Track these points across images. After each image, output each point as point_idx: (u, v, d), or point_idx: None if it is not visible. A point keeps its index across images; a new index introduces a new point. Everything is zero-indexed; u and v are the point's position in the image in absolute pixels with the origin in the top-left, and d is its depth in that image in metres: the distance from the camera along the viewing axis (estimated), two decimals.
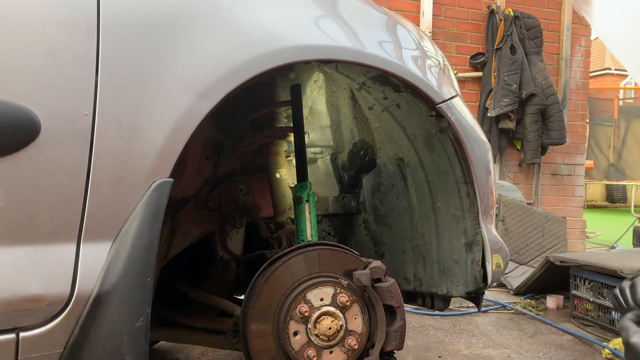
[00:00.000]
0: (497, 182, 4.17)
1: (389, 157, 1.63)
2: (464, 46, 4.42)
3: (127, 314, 0.88)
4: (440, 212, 1.50)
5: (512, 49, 4.24)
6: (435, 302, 1.60)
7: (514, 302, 3.30)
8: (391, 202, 1.68)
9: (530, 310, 3.16)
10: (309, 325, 1.15)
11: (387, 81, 1.32)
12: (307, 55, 1.10)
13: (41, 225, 0.84)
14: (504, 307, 3.28)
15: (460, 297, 1.51)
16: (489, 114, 4.22)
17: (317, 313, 1.16)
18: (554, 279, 3.27)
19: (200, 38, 0.96)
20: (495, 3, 4.42)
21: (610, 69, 15.95)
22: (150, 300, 0.91)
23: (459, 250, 1.45)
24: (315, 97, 1.70)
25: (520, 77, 4.21)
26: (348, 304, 1.18)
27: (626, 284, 0.93)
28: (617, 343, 2.35)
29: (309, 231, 1.43)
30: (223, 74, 0.97)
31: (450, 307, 2.23)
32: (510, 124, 4.24)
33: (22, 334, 0.83)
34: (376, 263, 1.24)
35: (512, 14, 4.34)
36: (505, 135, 4.36)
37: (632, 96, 11.33)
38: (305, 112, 1.71)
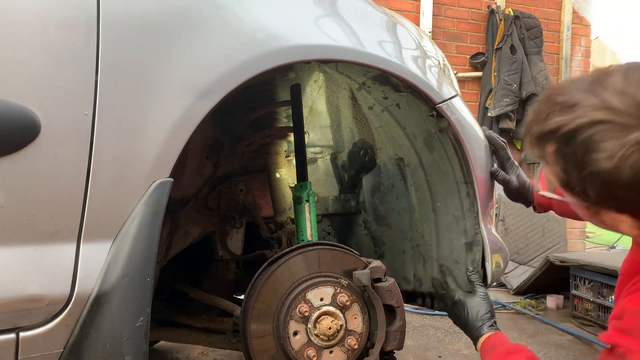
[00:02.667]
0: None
1: (389, 157, 1.63)
2: (464, 46, 4.42)
3: (127, 314, 0.88)
4: (440, 212, 1.50)
5: (512, 49, 4.24)
6: (435, 302, 1.60)
7: (514, 302, 3.30)
8: (391, 202, 1.68)
9: (530, 310, 3.16)
10: (309, 325, 1.15)
11: (387, 81, 1.32)
12: (307, 55, 1.09)
13: (41, 225, 0.84)
14: (504, 306, 3.28)
15: None
16: (489, 114, 4.22)
17: (317, 313, 1.16)
18: (554, 278, 3.27)
19: (200, 38, 0.96)
20: (495, 3, 4.42)
21: None
22: (150, 300, 0.91)
23: (459, 250, 1.45)
24: (315, 97, 1.70)
25: (521, 76, 4.21)
26: (348, 303, 1.18)
27: None
28: None
29: (309, 231, 1.42)
30: (223, 74, 0.97)
31: None
32: (510, 124, 4.24)
33: (22, 334, 0.83)
34: (376, 263, 1.23)
35: (512, 13, 4.34)
36: (505, 135, 4.36)
37: None
38: (305, 112, 1.71)
